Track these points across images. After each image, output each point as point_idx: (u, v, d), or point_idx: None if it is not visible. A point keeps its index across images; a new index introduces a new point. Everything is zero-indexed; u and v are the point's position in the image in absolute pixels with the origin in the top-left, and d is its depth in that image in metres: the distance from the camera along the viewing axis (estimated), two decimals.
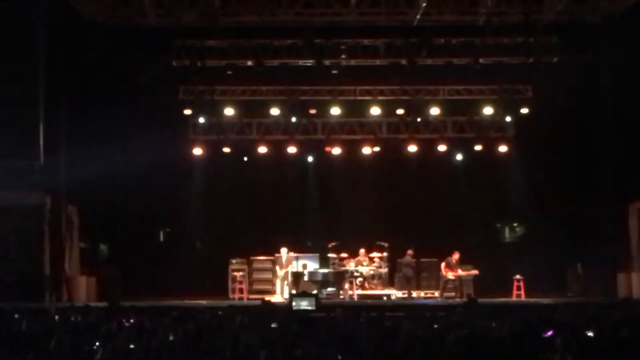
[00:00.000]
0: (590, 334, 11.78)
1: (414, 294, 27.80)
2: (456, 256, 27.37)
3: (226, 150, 29.85)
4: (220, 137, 29.88)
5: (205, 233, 30.75)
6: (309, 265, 27.92)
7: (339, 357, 10.56)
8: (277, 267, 27.99)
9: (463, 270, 27.39)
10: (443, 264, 27.38)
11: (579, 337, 11.35)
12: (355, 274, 27.47)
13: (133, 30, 26.57)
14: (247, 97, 29.62)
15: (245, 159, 30.67)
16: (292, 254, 27.92)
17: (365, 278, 27.67)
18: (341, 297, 26.96)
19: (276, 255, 28.31)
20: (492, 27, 26.72)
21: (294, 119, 29.69)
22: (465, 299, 24.73)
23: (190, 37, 27.16)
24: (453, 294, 27.21)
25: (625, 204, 27.11)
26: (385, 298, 27.24)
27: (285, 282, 27.51)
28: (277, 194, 30.62)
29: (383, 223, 30.02)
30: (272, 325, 13.68)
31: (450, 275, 27.23)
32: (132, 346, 11.03)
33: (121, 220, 28.52)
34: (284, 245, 27.98)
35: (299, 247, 28.65)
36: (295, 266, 27.73)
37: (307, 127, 30.42)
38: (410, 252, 28.12)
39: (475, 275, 27.45)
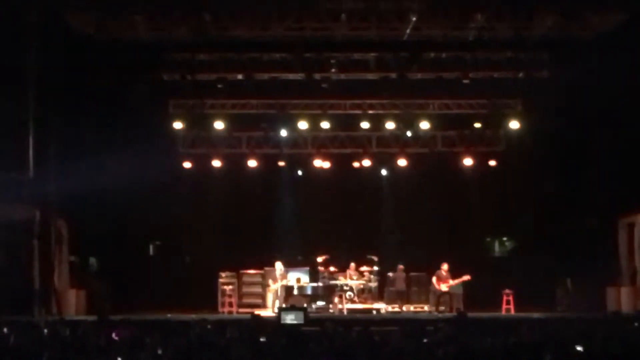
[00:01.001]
0: (579, 348, 11.76)
1: (404, 307, 27.82)
2: (445, 267, 27.18)
3: (216, 163, 29.84)
4: (210, 150, 29.89)
5: (194, 246, 30.68)
6: (301, 279, 27.88)
7: None
8: (271, 281, 27.91)
9: (454, 279, 27.24)
10: (434, 278, 27.20)
11: (568, 352, 11.35)
12: (345, 287, 27.48)
13: (123, 44, 26.55)
14: (237, 110, 29.61)
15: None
16: (283, 269, 27.88)
17: (354, 292, 27.66)
18: (331, 311, 26.92)
19: (266, 269, 28.29)
20: (483, 42, 26.82)
21: (283, 133, 29.73)
22: (454, 313, 24.67)
23: (180, 51, 27.15)
24: (443, 307, 27.11)
25: (615, 219, 27.19)
26: (374, 312, 27.21)
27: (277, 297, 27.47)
28: (267, 208, 30.60)
29: (373, 237, 30.03)
30: (261, 340, 13.64)
31: (444, 287, 27.03)
32: None
33: (111, 233, 28.34)
34: (278, 260, 27.90)
35: (289, 261, 28.60)
36: (286, 280, 27.65)
37: (297, 140, 30.43)
38: (401, 266, 28.14)
39: (465, 289, 27.34)
